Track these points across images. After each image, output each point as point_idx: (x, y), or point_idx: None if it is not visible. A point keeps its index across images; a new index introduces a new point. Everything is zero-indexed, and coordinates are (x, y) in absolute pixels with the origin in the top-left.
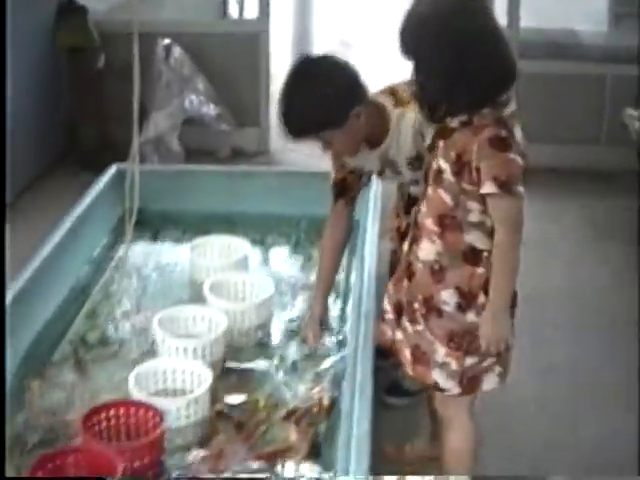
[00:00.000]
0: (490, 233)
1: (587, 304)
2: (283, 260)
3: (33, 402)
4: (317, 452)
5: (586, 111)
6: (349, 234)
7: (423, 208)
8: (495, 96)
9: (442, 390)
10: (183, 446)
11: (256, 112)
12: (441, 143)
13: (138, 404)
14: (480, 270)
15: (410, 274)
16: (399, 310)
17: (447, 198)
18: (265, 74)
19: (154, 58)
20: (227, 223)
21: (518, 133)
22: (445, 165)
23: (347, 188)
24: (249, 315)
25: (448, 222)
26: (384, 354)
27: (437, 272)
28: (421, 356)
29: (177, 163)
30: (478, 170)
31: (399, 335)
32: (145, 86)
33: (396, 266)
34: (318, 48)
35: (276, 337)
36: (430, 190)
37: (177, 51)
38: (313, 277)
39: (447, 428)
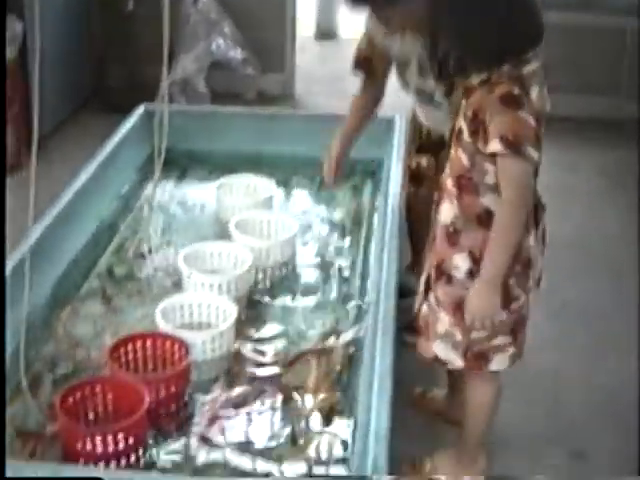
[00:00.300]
0: None
1: (599, 252)
2: (307, 201)
3: (61, 333)
4: (338, 388)
5: (606, 63)
6: (378, 102)
7: (447, 169)
8: (517, 54)
9: (444, 363)
10: (208, 379)
11: (282, 57)
12: (463, 102)
13: (164, 336)
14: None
15: (433, 239)
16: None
17: (464, 159)
18: (291, 20)
19: (182, 2)
20: (253, 164)
21: (535, 93)
22: (464, 125)
23: (372, 69)
24: (274, 252)
25: (465, 183)
26: (402, 294)
27: (452, 235)
28: (425, 328)
29: (203, 105)
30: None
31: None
32: (173, 29)
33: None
34: None
35: (300, 274)
36: (452, 151)
37: None
38: (337, 216)
39: (467, 382)
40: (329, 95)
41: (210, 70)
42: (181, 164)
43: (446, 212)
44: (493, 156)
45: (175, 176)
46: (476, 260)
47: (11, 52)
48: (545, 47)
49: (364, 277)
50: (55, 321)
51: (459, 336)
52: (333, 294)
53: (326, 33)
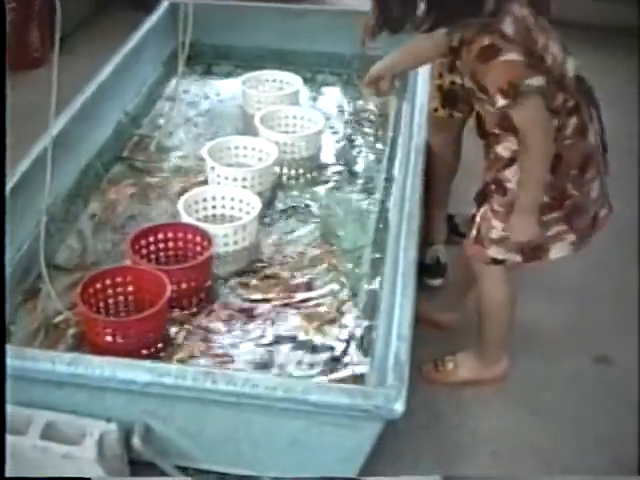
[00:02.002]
0: (555, 112)
1: (629, 160)
2: (334, 97)
3: (83, 223)
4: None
5: None
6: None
7: (484, 123)
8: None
9: (502, 262)
10: (230, 272)
11: None
12: (459, 64)
13: (186, 227)
14: None
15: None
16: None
17: (490, 108)
18: None
19: None
20: (279, 60)
21: (509, 25)
22: (471, 84)
23: None
24: (299, 146)
25: (506, 124)
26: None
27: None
28: (478, 235)
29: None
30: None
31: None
32: None
33: (437, 125)
34: None
35: (325, 169)
36: (478, 108)
37: None
38: (363, 114)
39: (482, 281)
40: None
41: None
42: (206, 59)
43: (508, 148)
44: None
45: (200, 70)
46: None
47: None
48: None
49: (389, 178)
50: (77, 212)
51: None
52: (356, 192)
53: None
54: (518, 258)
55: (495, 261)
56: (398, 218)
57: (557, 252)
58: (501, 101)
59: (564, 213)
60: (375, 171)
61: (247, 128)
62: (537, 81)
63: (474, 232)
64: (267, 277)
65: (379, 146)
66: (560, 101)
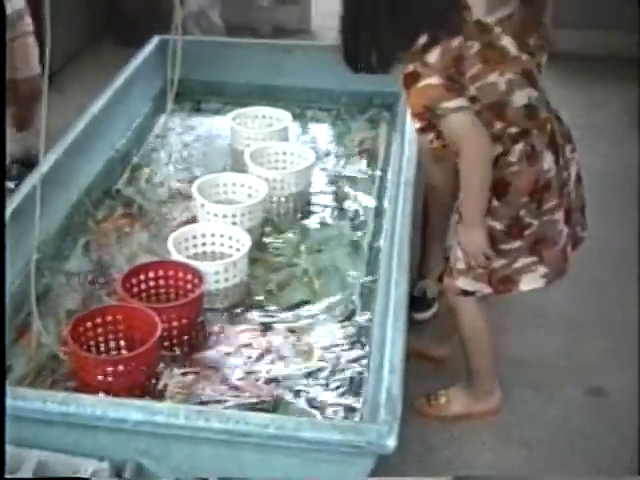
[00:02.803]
0: (496, 137)
1: (627, 184)
2: (323, 132)
3: (73, 262)
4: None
5: None
6: None
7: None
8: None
9: (472, 294)
10: (221, 309)
11: None
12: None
13: (177, 265)
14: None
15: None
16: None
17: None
18: None
19: None
20: (268, 96)
21: (435, 56)
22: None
23: None
24: (288, 182)
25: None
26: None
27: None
28: (447, 268)
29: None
30: None
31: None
32: None
33: (434, 156)
34: None
35: (315, 205)
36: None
37: None
38: (352, 149)
39: (457, 312)
40: None
41: (225, 2)
42: (196, 95)
43: None
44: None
45: (189, 107)
46: None
47: None
48: None
49: (378, 212)
50: (68, 249)
51: (480, 269)
52: (346, 228)
53: None
54: (488, 289)
55: (465, 292)
56: (389, 252)
57: (528, 284)
58: (417, 124)
59: (527, 244)
60: (365, 205)
61: (236, 165)
62: (456, 103)
63: (445, 263)
64: (259, 313)
65: (369, 180)
66: (499, 127)
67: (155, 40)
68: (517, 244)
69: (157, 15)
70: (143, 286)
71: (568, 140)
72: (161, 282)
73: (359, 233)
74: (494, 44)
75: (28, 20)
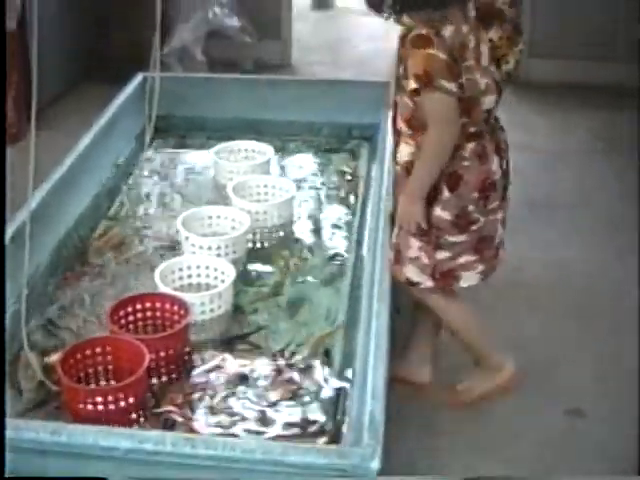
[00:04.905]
0: None
1: (595, 212)
2: (304, 164)
3: (62, 296)
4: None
5: (601, 27)
6: None
7: (398, 115)
8: (432, 6)
9: (415, 284)
10: (207, 339)
11: (278, 25)
12: (400, 51)
13: (164, 297)
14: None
15: (395, 179)
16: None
17: (409, 101)
18: None
19: None
20: (250, 130)
21: (449, 31)
22: (402, 71)
23: None
24: (271, 214)
25: (415, 123)
26: None
27: (411, 171)
28: (397, 255)
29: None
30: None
31: (393, 239)
32: None
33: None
34: None
35: (297, 236)
36: (398, 97)
37: None
38: (333, 180)
39: (436, 307)
40: (325, 64)
41: (207, 39)
42: (179, 130)
43: (403, 152)
44: (415, 92)
45: (173, 142)
46: (435, 188)
47: (10, 22)
48: (542, 15)
49: (359, 242)
50: (56, 284)
51: (425, 259)
52: (327, 258)
53: (323, 2)
54: (430, 282)
55: (410, 282)
56: (370, 282)
57: (467, 280)
58: (412, 84)
59: (471, 240)
60: (346, 236)
61: (220, 198)
62: (450, 85)
63: (393, 252)
64: (243, 344)
65: (350, 211)
66: (462, 122)
67: (139, 77)
68: (462, 238)
69: (141, 53)
70: (131, 318)
71: (507, 151)
72: (148, 314)
73: (341, 264)
74: (479, 46)
75: None
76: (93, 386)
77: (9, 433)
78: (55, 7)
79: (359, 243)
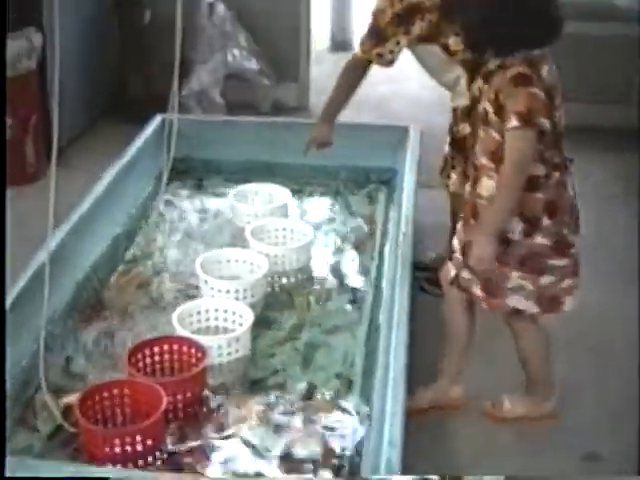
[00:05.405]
0: (542, 159)
1: (615, 256)
2: (322, 208)
3: (81, 338)
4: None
5: (619, 72)
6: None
7: (478, 149)
8: (534, 45)
9: (521, 312)
10: (225, 383)
11: (296, 68)
12: (485, 87)
13: (181, 340)
14: (539, 195)
15: (475, 213)
16: (466, 250)
17: (496, 135)
18: (305, 31)
19: (198, 14)
20: (268, 172)
21: (545, 71)
22: (488, 106)
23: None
24: (289, 258)
25: (501, 156)
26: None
27: None
28: (493, 289)
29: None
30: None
31: (466, 274)
32: (188, 41)
33: (456, 207)
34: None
35: (315, 280)
36: (481, 132)
37: (220, 8)
38: (351, 224)
39: (519, 334)
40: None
41: (226, 81)
42: (197, 173)
43: (487, 186)
44: (514, 129)
45: (191, 185)
46: (528, 220)
47: (30, 64)
48: (559, 57)
49: (377, 287)
50: (75, 326)
51: (530, 286)
52: (346, 303)
53: (341, 45)
54: (535, 309)
55: (517, 311)
56: (387, 328)
57: (569, 305)
58: (514, 122)
59: (572, 264)
60: (364, 280)
61: (237, 241)
62: (545, 124)
63: (481, 286)
64: (262, 386)
65: (368, 255)
66: (550, 154)
67: (157, 119)
68: (564, 262)
69: (159, 94)
70: (148, 360)
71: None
72: (166, 356)
73: (358, 308)
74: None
75: None
76: (111, 428)
77: (30, 474)
78: (75, 48)
79: (377, 288)
